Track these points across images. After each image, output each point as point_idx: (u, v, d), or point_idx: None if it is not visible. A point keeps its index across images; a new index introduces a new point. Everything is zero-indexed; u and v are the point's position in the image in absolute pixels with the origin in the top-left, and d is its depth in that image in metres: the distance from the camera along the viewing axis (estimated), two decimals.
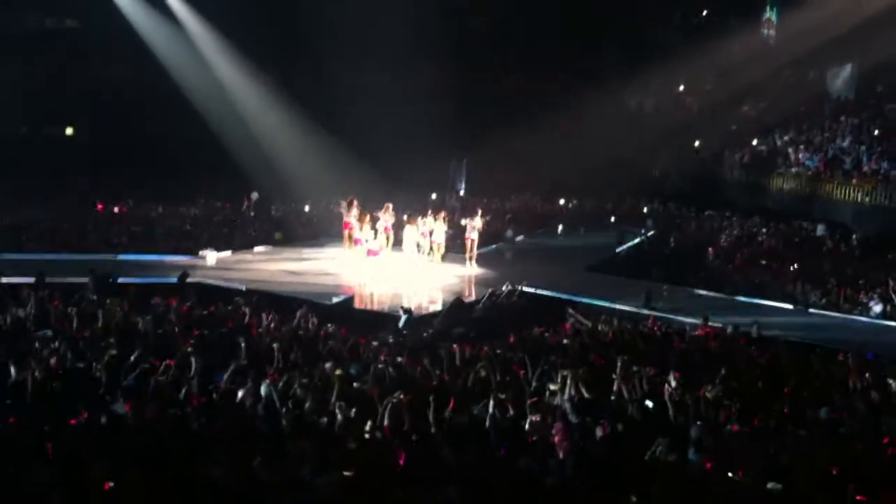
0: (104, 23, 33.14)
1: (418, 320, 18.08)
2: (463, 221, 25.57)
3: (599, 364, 13.65)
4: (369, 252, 23.01)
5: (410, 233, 24.07)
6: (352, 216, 23.97)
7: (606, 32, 39.13)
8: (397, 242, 24.19)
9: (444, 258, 24.92)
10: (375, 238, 23.02)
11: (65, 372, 11.67)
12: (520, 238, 29.95)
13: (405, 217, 24.64)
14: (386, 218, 23.86)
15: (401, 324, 17.57)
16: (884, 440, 10.37)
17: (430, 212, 25.38)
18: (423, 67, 35.17)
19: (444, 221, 24.95)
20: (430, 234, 24.44)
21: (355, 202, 24.22)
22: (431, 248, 24.52)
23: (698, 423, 10.78)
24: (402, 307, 18.60)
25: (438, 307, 19.95)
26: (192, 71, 33.23)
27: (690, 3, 43.14)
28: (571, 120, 34.72)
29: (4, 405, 10.29)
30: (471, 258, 24.90)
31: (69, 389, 11.16)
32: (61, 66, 35.24)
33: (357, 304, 20.52)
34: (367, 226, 23.21)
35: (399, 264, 23.77)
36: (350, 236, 24.09)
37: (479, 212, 25.71)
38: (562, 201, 37.46)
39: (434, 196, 34.88)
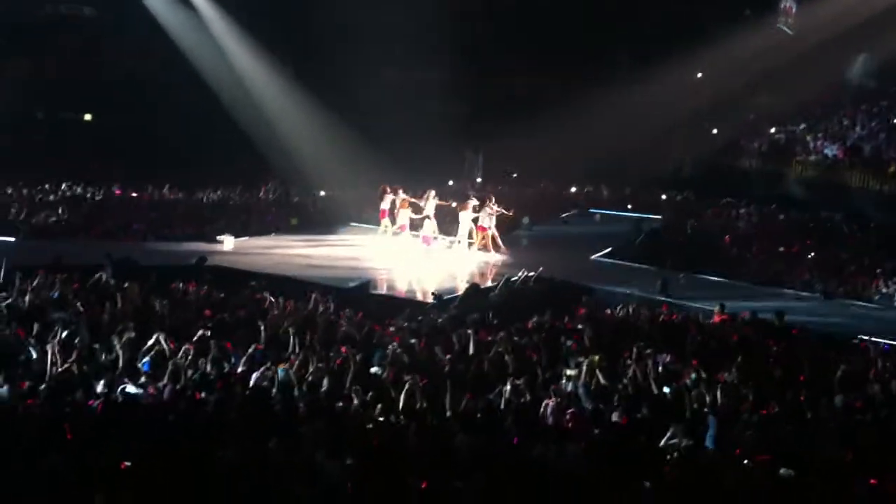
0: (121, 10, 33.23)
1: (447, 304, 18.08)
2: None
3: (615, 350, 13.64)
4: (424, 239, 23.98)
5: (465, 218, 24.30)
6: (387, 203, 24.75)
7: (620, 23, 38.84)
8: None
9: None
10: (425, 226, 24.04)
11: (82, 354, 11.74)
12: (536, 225, 29.92)
13: (454, 204, 25.02)
14: (428, 205, 24.38)
15: (433, 310, 17.60)
16: None
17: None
18: (437, 62, 35.22)
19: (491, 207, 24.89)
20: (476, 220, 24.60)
21: (388, 190, 25.01)
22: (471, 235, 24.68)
23: (714, 409, 10.79)
24: (432, 293, 18.67)
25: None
26: (209, 58, 33.24)
27: None
28: (586, 111, 34.53)
29: (23, 387, 10.37)
30: (485, 246, 24.75)
31: (86, 371, 11.24)
32: (77, 53, 35.31)
33: (377, 290, 20.53)
34: (406, 211, 24.21)
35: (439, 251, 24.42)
36: (388, 224, 25.02)
37: (492, 199, 25.42)
38: (573, 189, 37.30)
39: (451, 184, 34.83)
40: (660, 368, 12.62)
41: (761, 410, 10.98)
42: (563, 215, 32.22)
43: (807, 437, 10.01)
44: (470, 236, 24.55)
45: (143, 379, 11.29)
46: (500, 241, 24.79)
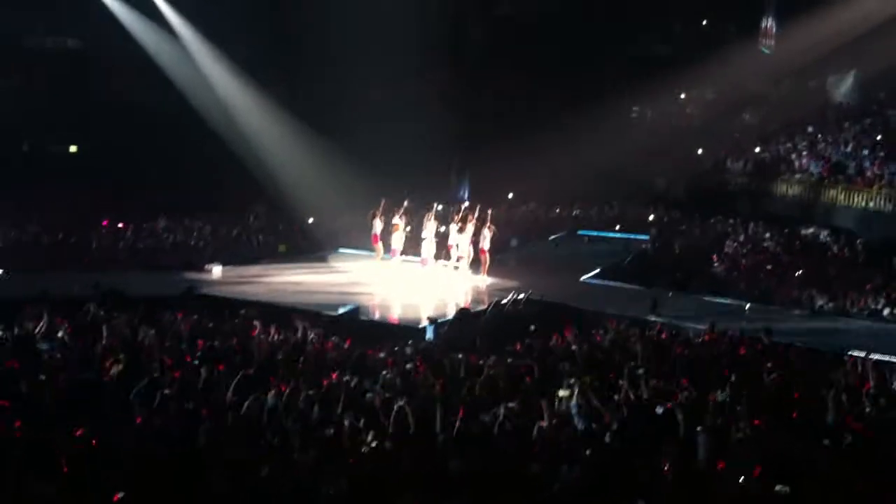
0: (107, 40, 33.25)
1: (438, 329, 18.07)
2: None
3: (607, 371, 13.63)
4: (422, 261, 24.40)
5: (464, 239, 24.58)
6: (378, 228, 24.99)
7: (606, 43, 39.14)
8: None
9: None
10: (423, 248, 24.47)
11: (72, 385, 11.67)
12: (525, 246, 30.00)
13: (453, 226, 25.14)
14: (427, 227, 24.77)
15: (428, 335, 17.56)
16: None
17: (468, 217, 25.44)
18: (424, 82, 35.37)
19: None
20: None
21: (378, 214, 25.34)
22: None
23: (707, 428, 10.77)
24: (427, 317, 18.66)
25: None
26: (195, 86, 33.31)
27: (690, 13, 43.16)
28: (573, 131, 34.73)
29: (14, 417, 10.28)
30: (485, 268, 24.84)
31: (76, 402, 11.16)
32: (63, 83, 35.31)
33: (367, 315, 20.54)
34: (399, 234, 24.73)
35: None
36: (380, 248, 25.36)
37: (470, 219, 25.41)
38: (558, 210, 37.36)
39: (438, 205, 34.90)
40: (652, 387, 12.59)
41: (754, 428, 10.95)
42: (552, 237, 32.22)
43: (801, 454, 9.99)
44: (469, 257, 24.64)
45: (138, 407, 11.22)
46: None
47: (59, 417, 10.44)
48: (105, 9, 32.51)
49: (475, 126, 36.62)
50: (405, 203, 25.75)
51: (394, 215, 25.19)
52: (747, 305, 21.84)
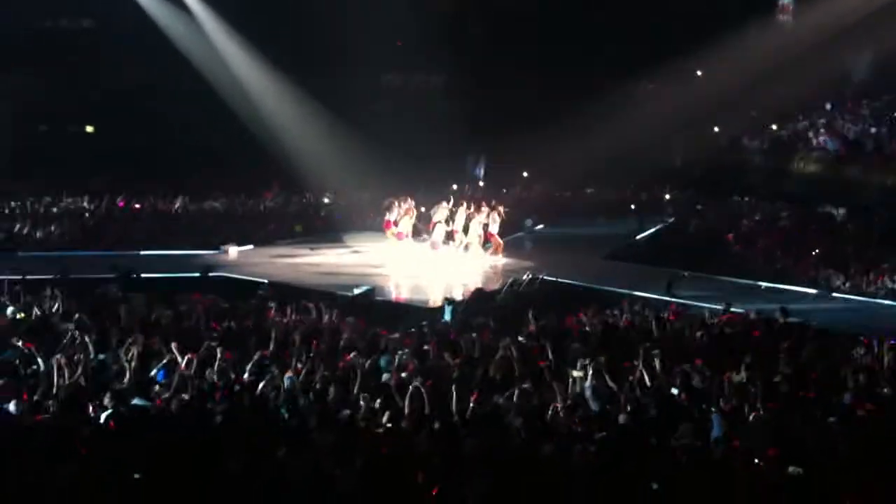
0: (122, 21, 33.26)
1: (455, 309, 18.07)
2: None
3: (621, 352, 13.64)
4: (433, 244, 24.39)
5: (476, 223, 24.66)
6: (394, 216, 25.05)
7: (620, 22, 38.82)
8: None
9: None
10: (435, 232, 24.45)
11: (90, 366, 11.76)
12: (540, 227, 29.95)
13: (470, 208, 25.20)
14: (439, 211, 24.77)
15: (447, 316, 17.58)
16: None
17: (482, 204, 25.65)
18: (438, 67, 35.45)
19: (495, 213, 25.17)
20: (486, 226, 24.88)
21: (396, 202, 25.28)
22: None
23: (721, 409, 10.79)
24: (446, 298, 18.68)
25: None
26: (211, 68, 33.27)
27: None
28: (587, 112, 34.55)
29: (32, 400, 10.39)
30: (496, 250, 24.91)
31: (94, 384, 11.26)
32: (78, 65, 35.36)
33: (383, 296, 20.55)
34: (408, 219, 24.76)
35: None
36: (392, 234, 25.18)
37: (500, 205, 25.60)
38: (568, 193, 37.23)
39: (455, 187, 34.89)
40: (667, 368, 12.60)
41: (770, 408, 10.96)
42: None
43: (816, 435, 10.00)
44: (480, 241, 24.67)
45: (156, 389, 11.31)
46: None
47: (76, 399, 10.53)
48: None
49: (488, 111, 36.50)
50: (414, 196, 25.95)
51: (407, 203, 25.34)
52: (763, 285, 21.79)
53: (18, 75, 33.80)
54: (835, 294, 21.54)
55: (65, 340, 12.66)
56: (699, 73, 40.38)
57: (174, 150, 32.87)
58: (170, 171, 32.05)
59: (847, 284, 22.18)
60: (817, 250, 25.16)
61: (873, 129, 33.54)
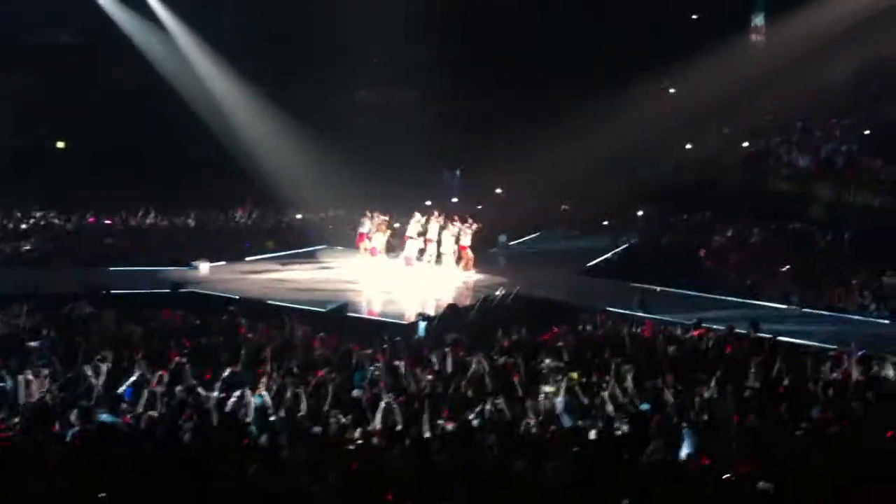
0: (101, 36, 33.15)
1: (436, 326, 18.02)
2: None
3: (594, 367, 13.64)
4: (406, 259, 24.60)
5: (447, 236, 24.76)
6: (367, 229, 25.48)
7: (596, 39, 39.04)
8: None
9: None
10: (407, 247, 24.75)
11: (58, 383, 11.63)
12: (513, 242, 29.98)
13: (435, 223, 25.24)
14: (411, 226, 25.06)
15: (420, 332, 17.53)
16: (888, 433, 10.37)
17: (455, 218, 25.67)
18: (412, 82, 35.52)
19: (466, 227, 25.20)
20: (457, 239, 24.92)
21: (370, 214, 25.76)
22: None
23: (693, 424, 10.79)
24: (419, 314, 18.63)
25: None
26: (185, 83, 33.15)
27: (680, 10, 43.04)
28: (562, 127, 34.66)
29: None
30: (466, 265, 24.93)
31: (63, 400, 11.13)
32: (55, 79, 35.15)
33: (355, 312, 20.49)
34: (381, 235, 25.08)
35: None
36: (365, 247, 25.54)
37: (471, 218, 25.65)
38: (547, 206, 37.28)
39: (429, 203, 34.86)
40: (638, 383, 12.61)
41: (741, 423, 10.99)
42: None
43: (787, 450, 10.02)
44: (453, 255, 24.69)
45: (123, 406, 11.18)
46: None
47: (43, 416, 10.40)
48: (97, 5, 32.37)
49: (462, 126, 36.58)
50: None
51: (381, 218, 25.44)
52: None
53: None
54: (805, 309, 21.66)
55: (32, 357, 12.52)
56: (672, 90, 40.69)
57: (148, 163, 32.70)
58: (143, 185, 31.74)
59: (817, 300, 22.31)
60: (789, 266, 25.33)
61: (844, 147, 33.79)
